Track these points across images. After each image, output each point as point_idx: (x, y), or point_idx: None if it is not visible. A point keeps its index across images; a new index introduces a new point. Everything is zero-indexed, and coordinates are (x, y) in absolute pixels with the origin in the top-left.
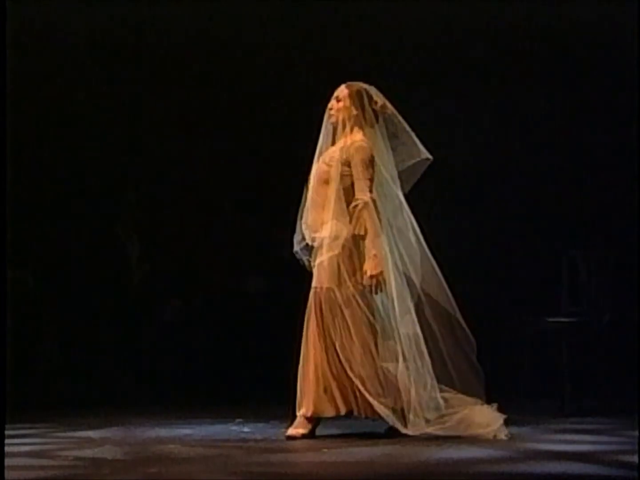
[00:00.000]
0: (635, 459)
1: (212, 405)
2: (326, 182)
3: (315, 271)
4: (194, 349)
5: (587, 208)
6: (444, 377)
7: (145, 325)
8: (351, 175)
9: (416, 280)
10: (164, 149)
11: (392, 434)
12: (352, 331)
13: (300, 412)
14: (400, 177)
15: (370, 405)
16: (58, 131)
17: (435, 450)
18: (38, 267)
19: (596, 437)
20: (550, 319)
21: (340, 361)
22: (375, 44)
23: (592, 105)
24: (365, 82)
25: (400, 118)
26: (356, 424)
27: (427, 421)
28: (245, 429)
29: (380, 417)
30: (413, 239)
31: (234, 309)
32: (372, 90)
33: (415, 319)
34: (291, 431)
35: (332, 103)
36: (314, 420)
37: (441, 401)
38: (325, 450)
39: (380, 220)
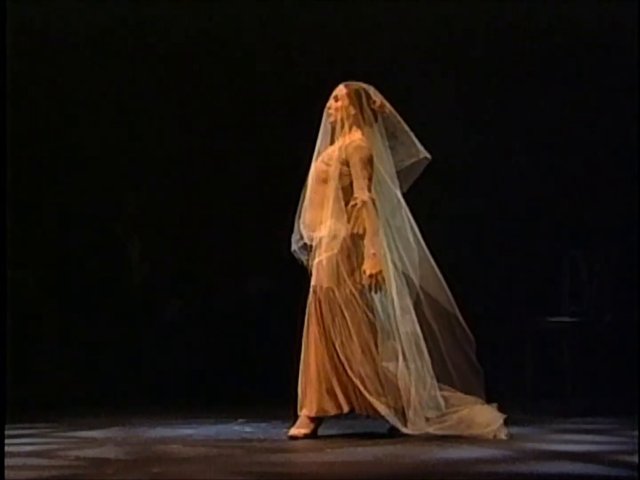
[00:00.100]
0: (635, 459)
1: (213, 405)
2: (325, 181)
3: (314, 270)
4: (195, 348)
5: (589, 208)
6: (443, 376)
7: (146, 325)
8: (350, 175)
9: (415, 279)
10: (164, 148)
11: (394, 433)
12: (352, 330)
13: (302, 412)
14: (398, 177)
15: (371, 404)
16: (58, 131)
17: (436, 450)
18: (38, 267)
19: (596, 437)
20: (552, 319)
21: (340, 360)
22: (375, 44)
23: (592, 105)
24: (365, 82)
25: (398, 117)
26: (358, 424)
27: (427, 420)
28: (247, 429)
29: (380, 416)
30: (412, 238)
31: (235, 308)
32: (371, 90)
33: (415, 318)
34: (293, 431)
35: (331, 102)
36: (317, 420)
37: (441, 400)
38: (327, 450)
39: (378, 219)
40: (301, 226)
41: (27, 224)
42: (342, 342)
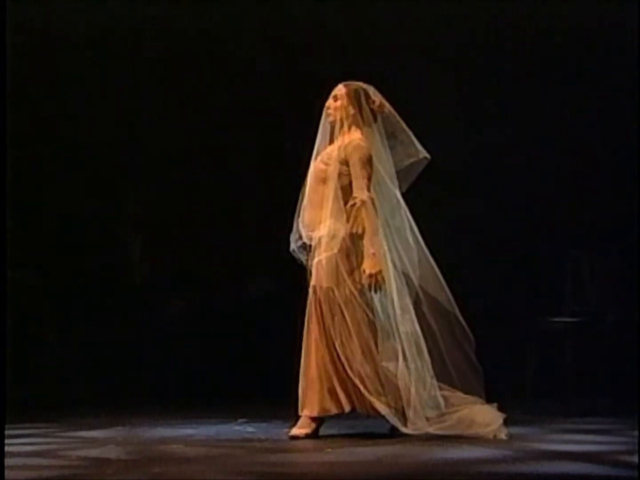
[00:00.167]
0: (635, 459)
1: (215, 405)
2: (324, 180)
3: (313, 270)
4: (196, 348)
5: (591, 208)
6: (443, 376)
7: (146, 325)
8: (349, 174)
9: (414, 279)
10: (164, 148)
11: (395, 433)
12: (352, 330)
13: (304, 412)
14: (398, 177)
15: (371, 404)
16: (58, 131)
17: (436, 450)
18: (38, 267)
19: (596, 437)
20: (553, 319)
21: (340, 360)
22: (375, 44)
23: (592, 105)
24: (365, 82)
25: (398, 117)
26: (359, 424)
27: (427, 420)
28: (249, 429)
29: (381, 415)
30: (411, 238)
31: (236, 308)
32: (370, 90)
33: (414, 318)
34: (294, 431)
35: (330, 102)
36: (318, 420)
37: (441, 400)
38: (328, 450)
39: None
40: (300, 226)
41: (27, 224)
42: (342, 342)
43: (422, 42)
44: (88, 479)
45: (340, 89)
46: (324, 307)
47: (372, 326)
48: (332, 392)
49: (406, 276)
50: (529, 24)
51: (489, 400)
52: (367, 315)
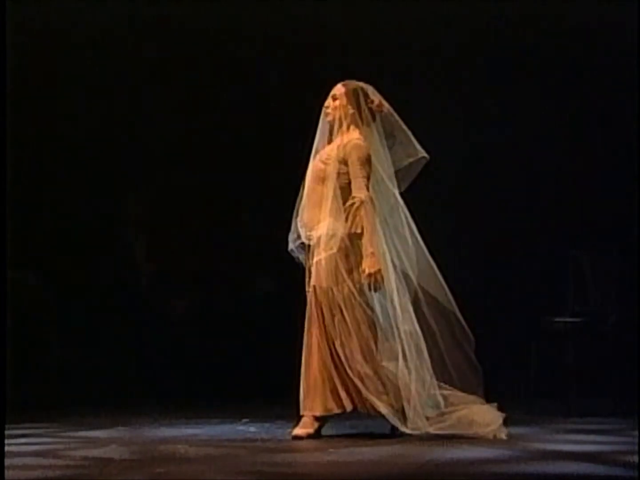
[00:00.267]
0: (635, 459)
1: (218, 405)
2: (322, 180)
3: (313, 270)
4: (199, 348)
5: (593, 208)
6: (442, 375)
7: (149, 325)
8: (347, 174)
9: (413, 278)
10: (164, 148)
11: (395, 434)
12: (352, 329)
13: (306, 412)
14: (396, 176)
15: (371, 404)
16: (58, 131)
17: (437, 450)
18: (38, 267)
19: (597, 437)
20: (556, 319)
21: (340, 359)
22: (375, 44)
23: (592, 105)
24: (365, 81)
25: (396, 117)
26: (360, 424)
27: (427, 419)
28: (252, 429)
29: (381, 415)
30: (409, 237)
31: (238, 308)
32: (369, 89)
33: (414, 317)
34: (297, 431)
35: (329, 101)
36: (321, 420)
37: (440, 399)
38: (331, 450)
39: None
40: (299, 225)
41: (27, 224)
42: (341, 341)
43: (422, 42)
44: (91, 479)
45: (339, 89)
46: (323, 306)
47: (372, 326)
48: (334, 392)
49: (405, 275)
50: (529, 24)
51: (489, 400)
52: (366, 314)
